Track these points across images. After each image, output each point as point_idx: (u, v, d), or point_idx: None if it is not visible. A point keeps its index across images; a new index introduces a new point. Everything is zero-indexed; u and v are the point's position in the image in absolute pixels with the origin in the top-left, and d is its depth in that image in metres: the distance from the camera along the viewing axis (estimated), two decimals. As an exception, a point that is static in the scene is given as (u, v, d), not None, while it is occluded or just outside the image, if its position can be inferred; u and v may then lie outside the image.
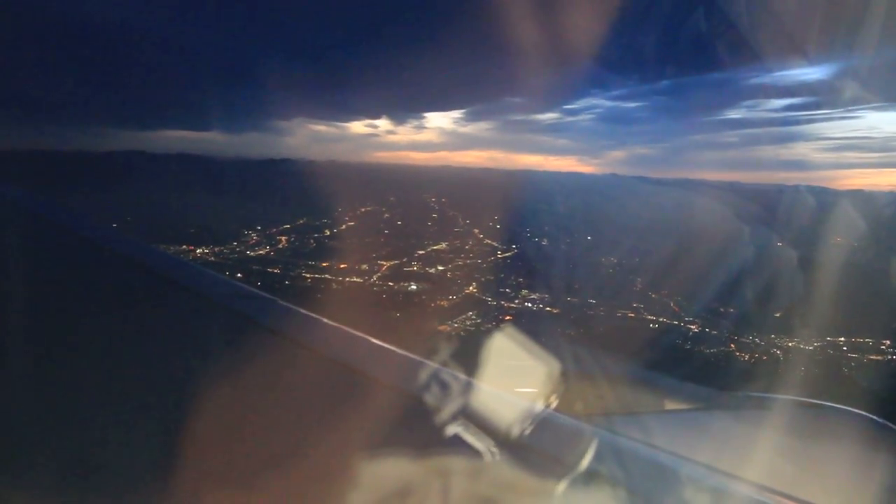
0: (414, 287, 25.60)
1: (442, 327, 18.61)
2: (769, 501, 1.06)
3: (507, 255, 30.67)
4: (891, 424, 2.00)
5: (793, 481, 1.58)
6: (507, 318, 21.97)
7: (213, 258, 27.64)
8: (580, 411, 1.78)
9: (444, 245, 31.08)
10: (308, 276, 27.17)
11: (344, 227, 34.33)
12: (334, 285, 26.30)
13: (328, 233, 33.48)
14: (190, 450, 1.05)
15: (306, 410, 1.28)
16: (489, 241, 31.79)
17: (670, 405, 2.21)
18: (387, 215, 36.41)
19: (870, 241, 19.06)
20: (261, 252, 30.69)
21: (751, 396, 2.34)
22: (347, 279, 26.69)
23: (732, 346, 20.25)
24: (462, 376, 1.36)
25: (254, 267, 27.88)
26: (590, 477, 1.03)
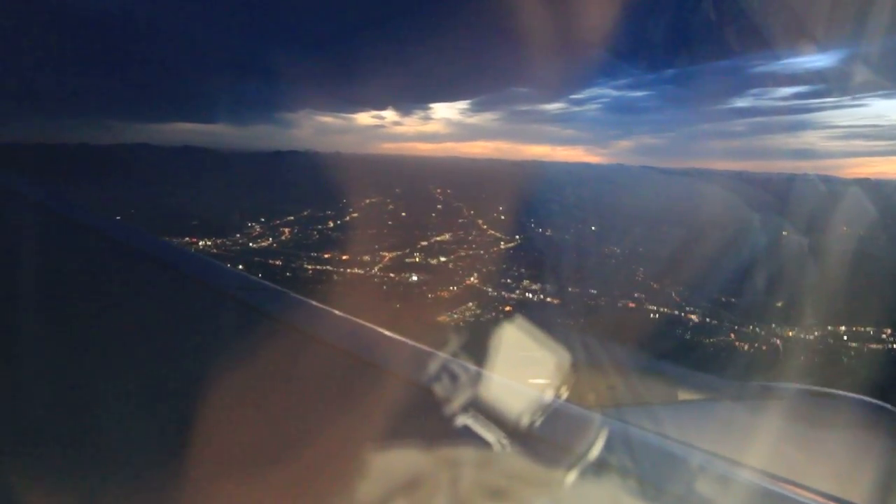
0: (415, 278, 25.63)
1: (441, 318, 18.67)
2: (782, 491, 1.03)
3: (510, 245, 30.63)
4: None
5: (806, 471, 1.58)
6: (507, 308, 22.01)
7: (215, 250, 27.83)
8: (591, 402, 1.79)
9: (447, 236, 31.06)
10: (309, 267, 27.39)
11: (348, 218, 34.49)
12: (335, 276, 26.47)
13: (332, 224, 33.68)
14: (199, 439, 1.05)
15: (316, 400, 1.27)
16: (493, 232, 31.74)
17: (682, 395, 2.21)
18: (391, 206, 36.42)
19: (877, 230, 18.87)
20: (263, 244, 30.94)
21: (760, 385, 2.33)
22: (348, 270, 26.85)
23: (732, 335, 20.14)
24: (471, 367, 1.35)
25: (255, 259, 28.13)
26: (600, 467, 1.02)
